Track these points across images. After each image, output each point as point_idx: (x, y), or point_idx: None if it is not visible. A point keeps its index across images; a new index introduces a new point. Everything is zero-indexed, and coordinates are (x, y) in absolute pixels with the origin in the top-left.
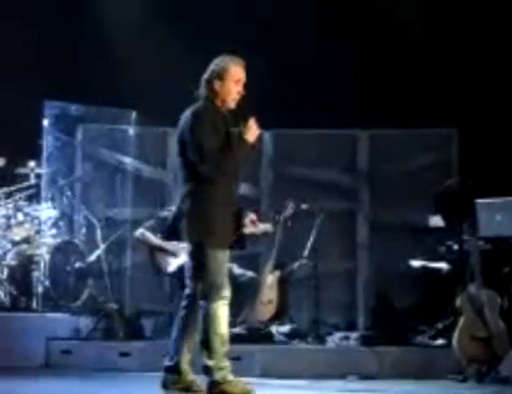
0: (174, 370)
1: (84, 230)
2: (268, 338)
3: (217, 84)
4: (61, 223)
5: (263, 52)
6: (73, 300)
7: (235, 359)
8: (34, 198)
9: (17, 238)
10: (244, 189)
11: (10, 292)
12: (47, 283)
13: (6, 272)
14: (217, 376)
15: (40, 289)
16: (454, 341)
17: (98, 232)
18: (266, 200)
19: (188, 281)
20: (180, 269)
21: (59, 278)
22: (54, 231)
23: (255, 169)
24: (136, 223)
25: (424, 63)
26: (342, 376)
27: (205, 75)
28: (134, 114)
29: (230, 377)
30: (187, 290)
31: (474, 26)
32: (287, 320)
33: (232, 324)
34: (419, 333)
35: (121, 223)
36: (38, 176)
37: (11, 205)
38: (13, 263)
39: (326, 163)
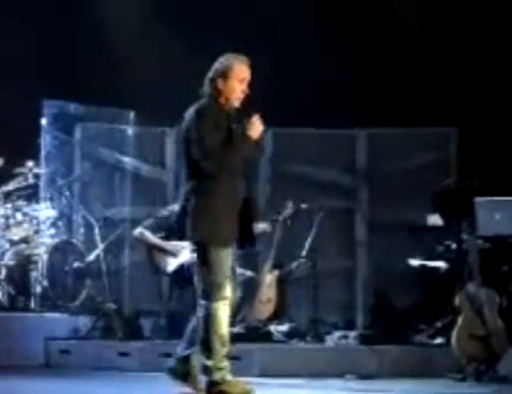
0: (185, 361)
1: (82, 230)
2: (267, 337)
3: (220, 83)
4: (59, 223)
5: (263, 52)
6: (71, 300)
7: (234, 358)
8: (33, 198)
9: (16, 238)
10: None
11: (8, 292)
12: (45, 283)
13: (4, 272)
14: (216, 376)
15: (38, 289)
16: (453, 339)
17: (97, 232)
18: (265, 198)
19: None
20: (180, 269)
21: (57, 278)
22: (53, 230)
23: (254, 167)
24: (135, 222)
25: (423, 63)
26: (341, 375)
27: (209, 74)
28: (132, 114)
29: (229, 377)
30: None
31: (474, 26)
32: (286, 319)
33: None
34: (418, 332)
35: (119, 222)
36: (37, 176)
37: (9, 205)
38: (11, 262)
39: (325, 162)
